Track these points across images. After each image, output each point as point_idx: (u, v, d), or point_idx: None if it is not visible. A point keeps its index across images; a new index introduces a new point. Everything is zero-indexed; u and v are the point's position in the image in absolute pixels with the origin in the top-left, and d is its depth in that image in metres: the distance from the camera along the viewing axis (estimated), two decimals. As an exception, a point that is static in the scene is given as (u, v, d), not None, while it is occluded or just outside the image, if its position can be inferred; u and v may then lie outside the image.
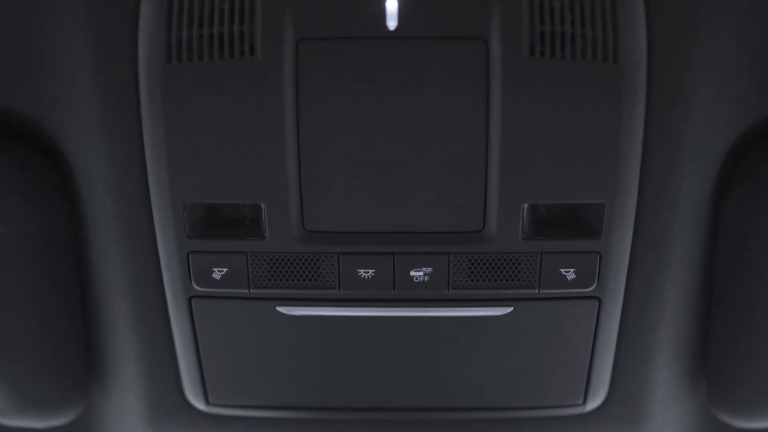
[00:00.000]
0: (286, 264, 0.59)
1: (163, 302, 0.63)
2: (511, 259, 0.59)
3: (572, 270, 0.59)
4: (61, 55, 0.56)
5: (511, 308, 0.61)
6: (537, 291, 0.60)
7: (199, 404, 0.68)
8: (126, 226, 0.60)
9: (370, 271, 0.59)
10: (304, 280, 0.60)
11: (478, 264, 0.59)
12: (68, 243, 0.62)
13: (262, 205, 0.57)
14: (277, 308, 0.61)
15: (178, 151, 0.56)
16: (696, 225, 0.60)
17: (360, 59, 0.53)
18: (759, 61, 0.56)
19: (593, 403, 0.68)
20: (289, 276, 0.59)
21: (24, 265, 0.60)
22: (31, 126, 0.59)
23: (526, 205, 0.57)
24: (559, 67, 0.53)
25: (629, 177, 0.56)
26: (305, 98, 0.54)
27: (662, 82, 0.55)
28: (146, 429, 0.71)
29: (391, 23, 0.52)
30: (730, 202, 0.59)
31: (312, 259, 0.59)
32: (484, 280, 0.59)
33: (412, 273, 0.59)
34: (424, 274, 0.59)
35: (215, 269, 0.59)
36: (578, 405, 0.68)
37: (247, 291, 0.60)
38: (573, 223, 0.59)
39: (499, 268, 0.59)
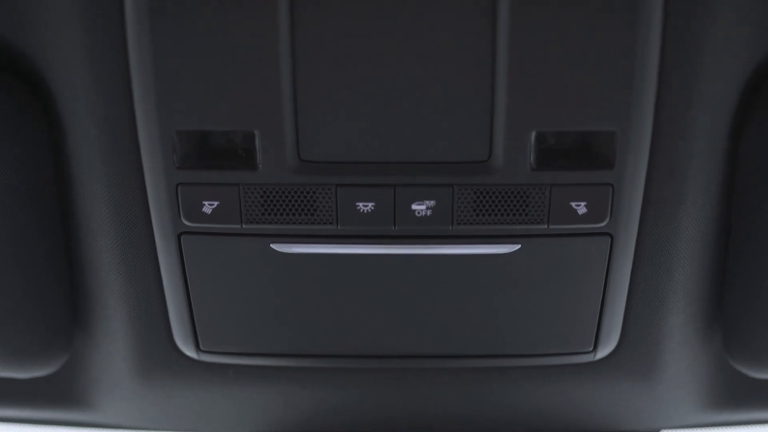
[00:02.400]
0: (280, 197, 0.56)
1: (151, 240, 0.60)
2: (518, 192, 0.55)
3: (583, 203, 0.56)
4: None
5: (519, 245, 0.58)
6: (546, 226, 0.57)
7: (189, 351, 0.65)
8: (111, 156, 0.57)
9: (370, 204, 0.56)
10: (299, 214, 0.56)
11: (484, 197, 0.56)
12: (50, 177, 0.59)
13: (256, 133, 0.54)
14: (272, 245, 0.58)
15: (167, 75, 0.53)
16: (715, 155, 0.57)
17: None
18: None
19: (604, 351, 0.65)
20: (284, 210, 0.56)
21: (2, 202, 0.57)
22: (8, 49, 0.55)
23: (534, 133, 0.53)
24: None
25: (644, 103, 0.53)
26: (301, 16, 0.51)
27: (680, 2, 0.52)
28: (134, 378, 0.68)
29: None
30: (751, 132, 0.56)
31: (308, 192, 0.56)
32: (490, 215, 0.56)
33: (413, 207, 0.56)
34: (427, 208, 0.56)
35: (206, 203, 0.56)
36: (588, 352, 0.64)
37: (239, 226, 0.57)
38: (585, 154, 0.56)
39: (506, 201, 0.56)
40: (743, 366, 0.65)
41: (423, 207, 0.56)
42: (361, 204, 0.56)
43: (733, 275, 0.62)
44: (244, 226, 0.57)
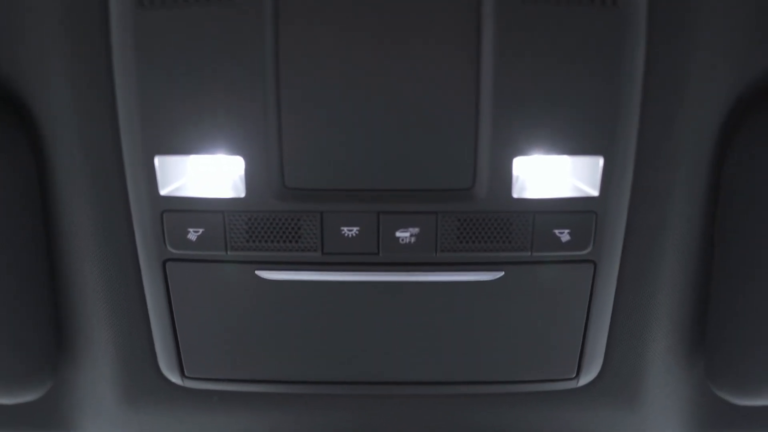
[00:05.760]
0: (265, 224, 0.56)
1: (136, 267, 0.60)
2: (502, 219, 0.56)
3: (567, 231, 0.56)
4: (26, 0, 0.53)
5: (502, 273, 0.58)
6: (529, 254, 0.57)
7: (174, 377, 0.65)
8: (96, 182, 0.57)
9: (354, 228, 0.56)
10: (284, 241, 0.57)
11: (468, 224, 0.56)
12: (35, 202, 0.59)
13: (241, 160, 0.54)
14: (256, 272, 0.58)
15: (151, 102, 0.53)
16: (697, 183, 0.58)
17: (343, 3, 0.50)
18: (763, 10, 0.53)
19: (587, 378, 0.65)
20: (269, 237, 0.57)
21: None
22: None
23: (518, 161, 0.54)
24: (555, 12, 0.51)
25: (628, 130, 0.54)
26: (286, 44, 0.51)
27: (663, 29, 0.53)
28: (119, 404, 0.68)
29: None
30: (733, 159, 0.57)
31: (293, 219, 0.56)
32: (473, 242, 0.57)
33: (397, 234, 0.56)
34: (411, 235, 0.56)
35: (191, 230, 0.57)
36: (571, 379, 0.65)
37: (224, 253, 0.57)
38: (568, 181, 0.56)
39: (489, 228, 0.56)
40: (726, 393, 0.66)
41: (407, 234, 0.56)
42: (345, 228, 0.56)
43: (715, 302, 0.62)
44: (229, 253, 0.57)
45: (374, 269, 0.58)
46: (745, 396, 0.65)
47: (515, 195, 0.55)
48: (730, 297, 0.61)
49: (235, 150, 0.54)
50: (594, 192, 0.55)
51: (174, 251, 0.58)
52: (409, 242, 0.56)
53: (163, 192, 0.56)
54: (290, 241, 0.57)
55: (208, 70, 0.52)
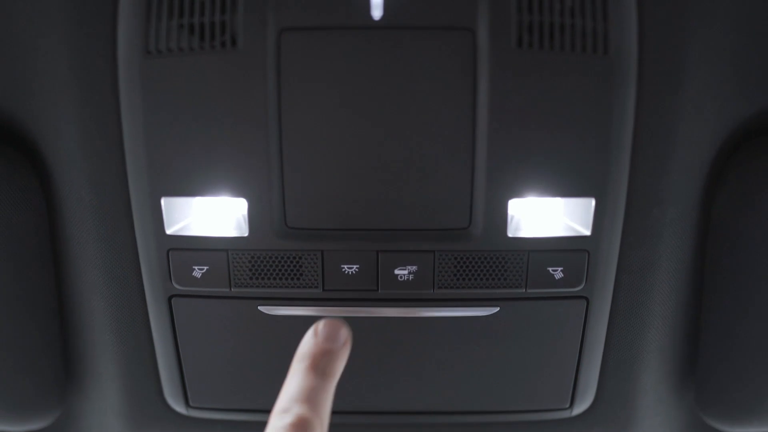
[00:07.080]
0: (267, 262, 0.58)
1: (142, 302, 0.62)
2: (497, 258, 0.58)
3: (560, 269, 0.58)
4: (38, 47, 0.55)
5: (498, 308, 0.60)
6: (524, 290, 0.59)
7: (179, 407, 0.67)
8: (104, 222, 0.59)
9: (354, 266, 0.58)
10: (286, 278, 0.58)
11: (464, 262, 0.58)
12: (45, 240, 0.61)
13: (244, 201, 0.56)
14: (259, 308, 0.60)
15: (157, 146, 0.55)
16: (686, 223, 0.59)
17: (344, 50, 0.52)
18: (751, 56, 0.55)
19: (580, 408, 0.67)
20: (271, 274, 0.58)
21: None
22: (5, 119, 0.57)
23: (513, 202, 0.56)
24: (548, 59, 0.52)
25: (619, 172, 0.56)
26: (288, 91, 0.53)
27: (653, 75, 0.54)
28: None
29: (376, 12, 0.52)
30: (721, 200, 0.59)
31: (294, 257, 0.58)
32: (470, 279, 0.58)
33: (396, 271, 0.58)
34: (409, 273, 0.58)
35: (195, 267, 0.58)
36: (565, 409, 0.66)
37: (228, 290, 0.59)
38: (561, 221, 0.58)
39: (485, 266, 0.58)
40: (716, 421, 0.67)
41: (405, 272, 0.58)
42: (345, 266, 0.58)
43: (705, 335, 0.64)
44: (232, 289, 0.59)
45: (373, 305, 0.60)
46: (735, 424, 0.67)
47: (510, 234, 0.57)
48: (718, 330, 0.62)
49: (238, 192, 0.55)
50: (586, 231, 0.57)
51: (179, 287, 0.59)
52: (408, 279, 0.58)
53: (169, 231, 0.57)
54: (292, 278, 0.58)
55: (212, 115, 0.53)
